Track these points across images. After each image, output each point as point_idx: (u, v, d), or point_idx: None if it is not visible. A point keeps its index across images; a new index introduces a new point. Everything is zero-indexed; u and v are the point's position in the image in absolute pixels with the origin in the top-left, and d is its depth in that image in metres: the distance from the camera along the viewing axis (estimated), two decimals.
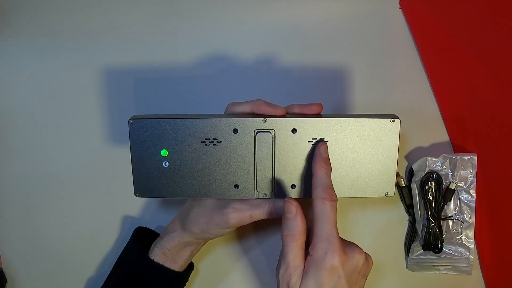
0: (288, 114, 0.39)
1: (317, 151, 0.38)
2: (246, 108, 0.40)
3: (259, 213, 0.41)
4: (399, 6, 0.53)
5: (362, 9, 0.53)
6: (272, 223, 0.55)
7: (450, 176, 0.52)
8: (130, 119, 0.39)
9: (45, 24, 0.53)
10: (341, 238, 0.36)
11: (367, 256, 0.37)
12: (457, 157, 0.51)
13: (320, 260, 0.34)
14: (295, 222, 0.35)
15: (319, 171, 0.37)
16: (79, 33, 0.53)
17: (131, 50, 0.53)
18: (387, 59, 0.54)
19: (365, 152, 0.39)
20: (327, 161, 0.38)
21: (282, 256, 0.36)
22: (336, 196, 0.36)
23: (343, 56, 0.53)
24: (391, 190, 0.40)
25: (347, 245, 0.36)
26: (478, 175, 0.51)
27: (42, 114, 0.54)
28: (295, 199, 0.37)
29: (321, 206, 0.35)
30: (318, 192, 0.36)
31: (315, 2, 0.53)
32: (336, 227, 0.35)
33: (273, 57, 0.54)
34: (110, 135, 0.54)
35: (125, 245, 0.50)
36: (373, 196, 0.40)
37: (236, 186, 0.40)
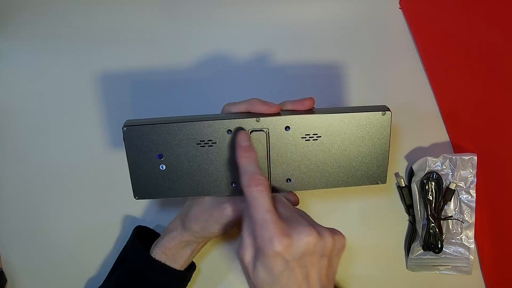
0: (282, 111, 0.40)
1: (236, 141, 0.37)
2: (241, 108, 0.40)
3: None
4: (399, 6, 0.53)
5: (362, 9, 0.53)
6: None
7: (450, 176, 0.52)
8: (124, 126, 0.38)
9: (44, 26, 0.53)
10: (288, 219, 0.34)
11: (322, 235, 0.34)
12: (457, 157, 0.51)
13: (261, 248, 0.33)
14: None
15: (240, 160, 0.36)
16: (78, 35, 0.53)
17: (129, 53, 0.53)
18: (387, 59, 0.54)
19: (357, 144, 0.40)
20: (248, 148, 0.37)
21: (241, 234, 0.35)
22: (265, 180, 0.35)
23: (344, 55, 0.53)
24: (383, 179, 0.41)
25: (292, 227, 0.33)
26: (478, 175, 0.51)
27: (44, 115, 0.54)
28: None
29: (249, 194, 0.34)
30: (244, 181, 0.35)
31: (315, 2, 0.53)
32: (271, 211, 0.33)
33: (272, 56, 0.54)
34: (110, 136, 0.54)
35: (125, 244, 0.50)
36: (365, 185, 0.41)
37: (233, 184, 0.40)
